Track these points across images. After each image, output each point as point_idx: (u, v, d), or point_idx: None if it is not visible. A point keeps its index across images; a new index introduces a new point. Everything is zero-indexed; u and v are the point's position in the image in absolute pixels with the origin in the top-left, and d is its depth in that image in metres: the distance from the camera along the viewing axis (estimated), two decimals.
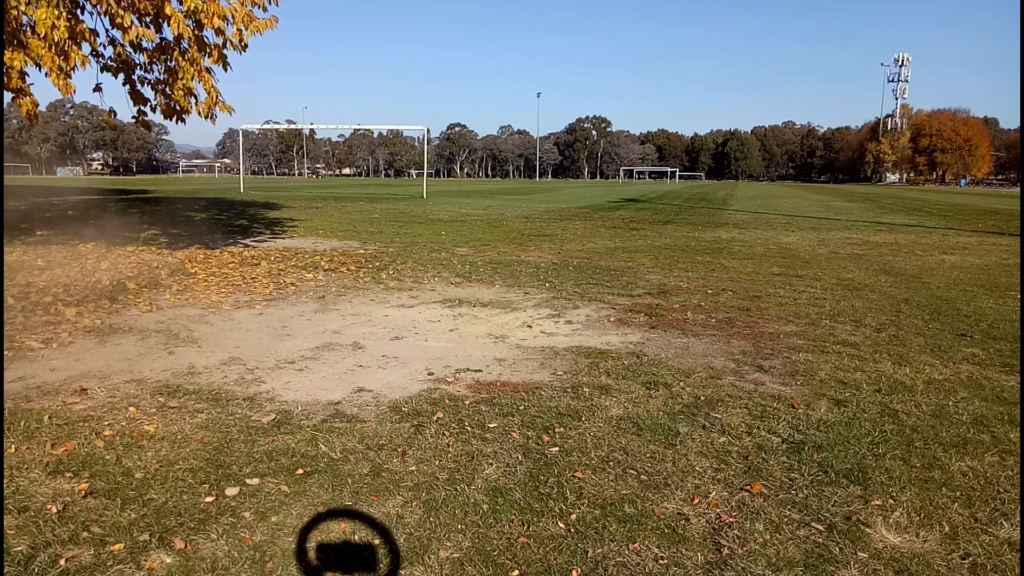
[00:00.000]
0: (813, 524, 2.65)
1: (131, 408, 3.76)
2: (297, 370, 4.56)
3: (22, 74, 7.15)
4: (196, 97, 8.43)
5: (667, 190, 54.51)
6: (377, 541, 2.51)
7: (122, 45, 8.07)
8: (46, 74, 7.25)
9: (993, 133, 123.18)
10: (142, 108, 8.74)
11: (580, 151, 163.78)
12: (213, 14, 7.65)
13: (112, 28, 7.73)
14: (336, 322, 5.98)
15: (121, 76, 8.49)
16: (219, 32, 7.92)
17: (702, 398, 4.05)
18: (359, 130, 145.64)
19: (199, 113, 8.46)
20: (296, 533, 2.54)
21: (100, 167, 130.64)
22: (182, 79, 8.09)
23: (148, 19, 7.80)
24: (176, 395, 4.00)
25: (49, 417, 3.59)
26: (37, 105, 7.94)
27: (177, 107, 8.39)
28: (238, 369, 4.56)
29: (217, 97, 8.40)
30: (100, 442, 3.29)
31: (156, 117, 8.92)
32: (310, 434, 3.43)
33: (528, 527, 2.61)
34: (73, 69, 7.31)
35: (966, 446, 3.40)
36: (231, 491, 2.83)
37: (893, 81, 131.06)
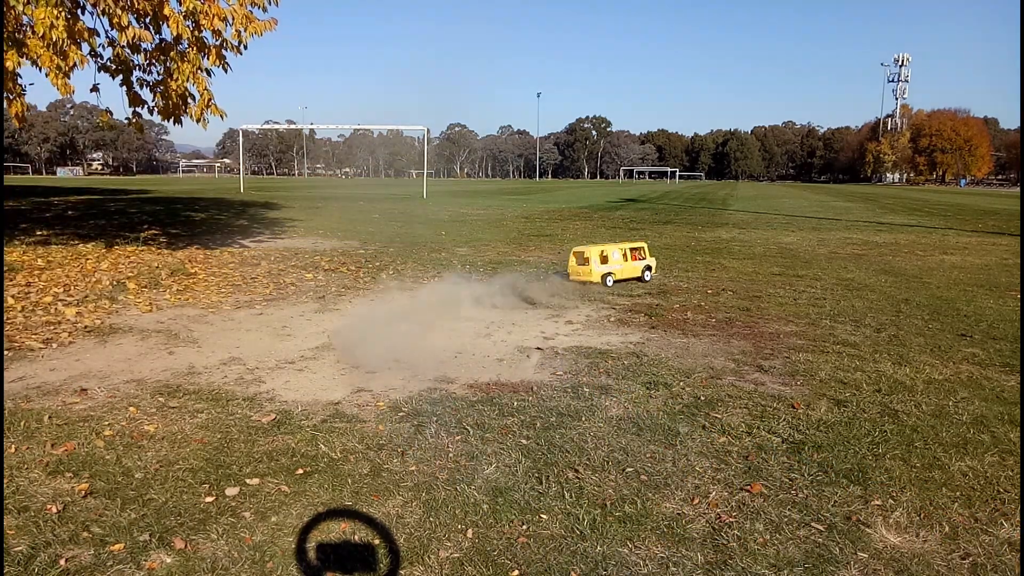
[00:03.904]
0: (813, 524, 2.65)
1: (131, 408, 3.76)
2: (297, 370, 4.56)
3: (14, 75, 7.16)
4: (192, 99, 8.43)
5: (667, 190, 54.51)
6: (377, 541, 2.51)
7: (121, 46, 8.07)
8: (46, 74, 7.25)
9: (993, 133, 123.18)
10: (137, 109, 8.74)
11: (580, 151, 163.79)
12: (213, 15, 7.65)
13: (111, 29, 7.74)
14: (336, 322, 5.98)
15: (119, 77, 8.50)
16: (217, 33, 7.93)
17: (702, 398, 4.05)
18: (359, 130, 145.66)
19: (191, 116, 8.46)
20: (296, 533, 2.54)
21: (100, 167, 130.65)
22: (177, 80, 8.09)
23: (147, 20, 7.81)
24: (176, 395, 4.00)
25: (49, 417, 3.59)
26: (27, 108, 7.95)
27: (172, 108, 8.40)
28: (238, 369, 4.56)
29: (210, 100, 8.40)
30: (100, 442, 3.29)
31: (154, 118, 8.94)
32: (310, 434, 3.43)
33: (528, 527, 2.60)
34: (72, 69, 7.31)
35: (966, 446, 3.40)
36: (231, 491, 2.83)
37: (893, 81, 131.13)
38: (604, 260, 7.96)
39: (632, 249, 8.26)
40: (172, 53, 8.12)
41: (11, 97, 7.63)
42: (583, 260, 7.98)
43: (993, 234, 16.04)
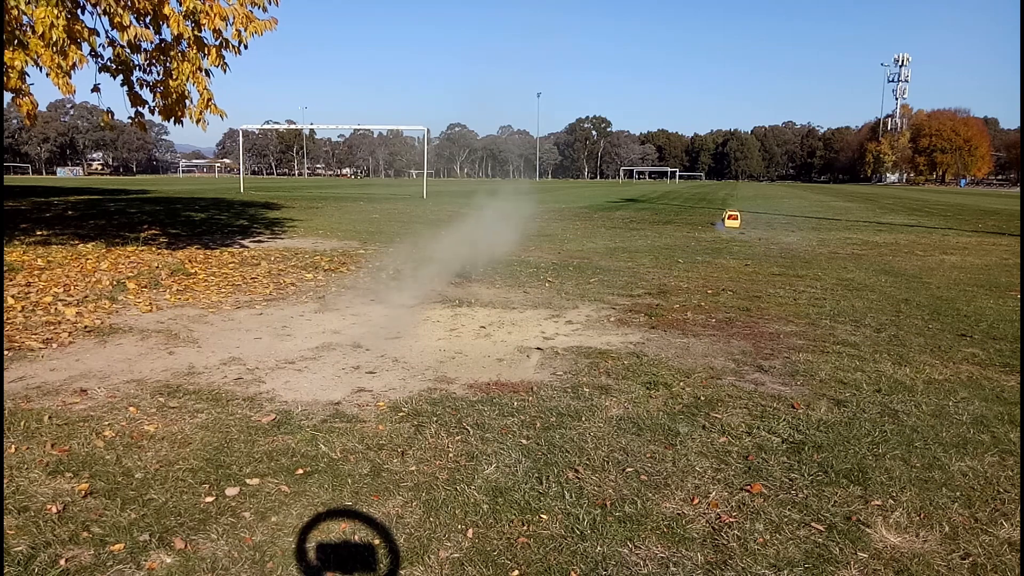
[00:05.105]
0: (813, 524, 2.65)
1: (131, 408, 3.76)
2: (297, 370, 4.56)
3: (22, 74, 7.15)
4: (190, 99, 8.43)
5: (667, 190, 54.51)
6: (377, 541, 2.51)
7: (121, 46, 8.07)
8: (47, 74, 7.25)
9: (993, 133, 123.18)
10: (139, 109, 8.74)
11: (580, 151, 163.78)
12: (214, 15, 7.65)
13: (112, 28, 7.74)
14: (336, 322, 5.98)
15: (120, 77, 8.50)
16: (217, 33, 7.92)
17: (702, 398, 4.05)
18: (359, 130, 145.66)
19: (190, 117, 8.45)
20: (296, 533, 2.54)
21: (100, 167, 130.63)
22: (177, 80, 8.09)
23: (147, 19, 7.80)
24: (176, 395, 4.00)
25: (49, 417, 3.59)
26: (36, 105, 7.95)
27: (172, 108, 8.40)
28: (238, 369, 4.56)
29: (210, 100, 8.39)
30: (100, 442, 3.29)
31: (154, 118, 8.94)
32: (310, 434, 3.43)
33: (528, 527, 2.61)
34: (73, 68, 7.31)
35: (966, 446, 3.40)
36: (231, 491, 2.83)
37: (893, 81, 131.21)
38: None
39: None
40: (172, 53, 8.12)
41: (22, 96, 7.62)
42: (734, 217, 17.01)
43: (993, 234, 16.04)
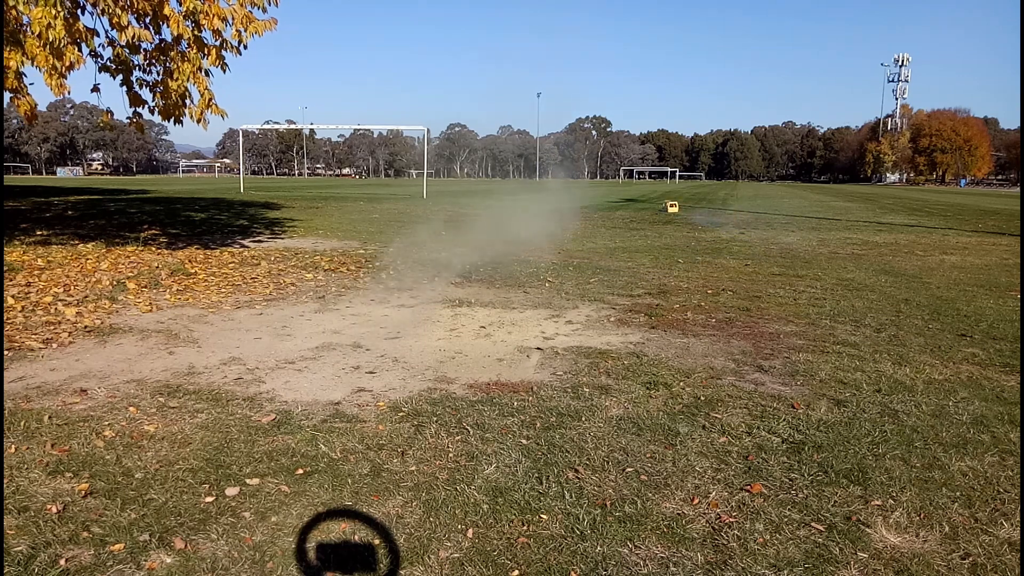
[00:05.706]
0: (813, 524, 2.65)
1: (131, 408, 3.76)
2: (297, 370, 4.56)
3: (18, 74, 7.15)
4: (191, 99, 8.43)
5: (667, 190, 54.49)
6: (377, 541, 2.51)
7: (121, 46, 8.07)
8: (45, 74, 7.25)
9: (993, 133, 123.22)
10: (138, 109, 8.74)
11: (580, 151, 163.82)
12: (213, 15, 7.65)
13: (111, 29, 7.74)
14: (336, 322, 5.98)
15: (119, 77, 8.50)
16: (217, 33, 7.93)
17: (702, 398, 4.05)
18: (359, 130, 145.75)
19: (191, 116, 8.45)
20: (296, 533, 2.54)
21: (100, 167, 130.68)
22: (177, 80, 8.09)
23: (147, 20, 7.81)
24: (176, 395, 4.00)
25: (49, 417, 3.59)
26: (35, 105, 7.94)
27: (172, 108, 8.40)
28: (238, 369, 4.56)
29: (211, 100, 8.40)
30: (100, 442, 3.29)
31: (154, 118, 8.95)
32: (310, 434, 3.43)
33: (528, 527, 2.60)
34: (69, 69, 7.31)
35: (966, 446, 3.40)
36: (231, 491, 2.83)
37: (893, 81, 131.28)
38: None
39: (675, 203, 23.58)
40: (172, 53, 8.12)
41: (20, 96, 7.62)
42: (672, 205, 22.61)
43: (993, 234, 16.04)
